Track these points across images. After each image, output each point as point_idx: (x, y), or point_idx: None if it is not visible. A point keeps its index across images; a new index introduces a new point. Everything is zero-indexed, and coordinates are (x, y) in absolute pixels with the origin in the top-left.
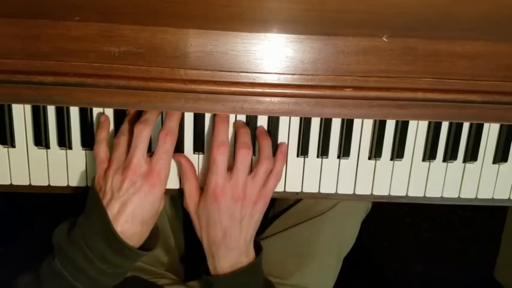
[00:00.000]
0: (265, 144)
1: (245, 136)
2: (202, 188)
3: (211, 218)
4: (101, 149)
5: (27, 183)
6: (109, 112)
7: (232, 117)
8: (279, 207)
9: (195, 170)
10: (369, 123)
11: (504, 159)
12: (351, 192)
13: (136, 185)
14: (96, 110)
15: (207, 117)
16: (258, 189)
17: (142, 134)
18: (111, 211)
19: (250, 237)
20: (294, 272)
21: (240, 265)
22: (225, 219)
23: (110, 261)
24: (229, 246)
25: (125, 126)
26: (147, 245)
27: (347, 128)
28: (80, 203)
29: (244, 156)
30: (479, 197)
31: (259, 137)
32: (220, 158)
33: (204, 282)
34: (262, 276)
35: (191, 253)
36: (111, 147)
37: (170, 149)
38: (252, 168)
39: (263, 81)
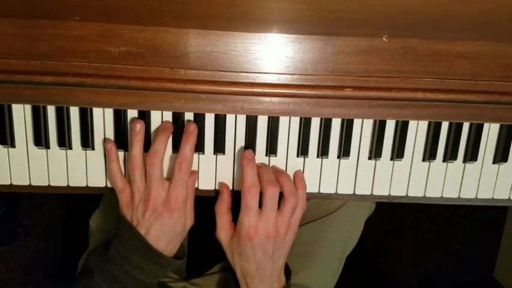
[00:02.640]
0: (286, 181)
1: (269, 173)
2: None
3: (244, 253)
4: (118, 180)
5: (27, 183)
6: (109, 112)
7: (232, 117)
8: None
9: (229, 205)
10: (369, 123)
11: (504, 159)
12: (351, 192)
13: (157, 212)
14: (96, 110)
15: (207, 117)
16: (286, 223)
17: (155, 167)
18: None
19: (281, 266)
20: (297, 271)
21: None
22: (258, 255)
23: (146, 270)
24: (263, 277)
25: (136, 154)
26: (177, 255)
27: (347, 128)
28: (80, 203)
29: (272, 194)
30: (479, 197)
31: (277, 175)
32: (252, 200)
33: None
34: None
35: (193, 251)
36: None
37: (185, 177)
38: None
39: (263, 81)
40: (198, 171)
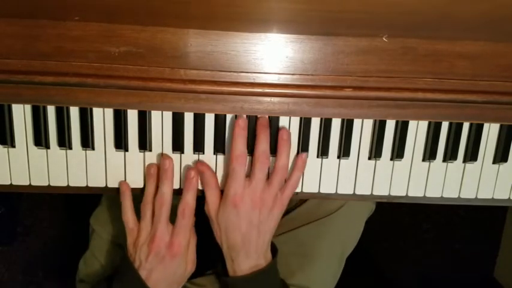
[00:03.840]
0: (283, 152)
1: (264, 144)
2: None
3: (230, 223)
4: (129, 219)
5: (27, 183)
6: (109, 112)
7: (232, 117)
8: None
9: (217, 179)
10: (369, 123)
11: (504, 159)
12: (351, 192)
13: (159, 255)
14: (96, 110)
15: (207, 117)
16: (273, 196)
17: (162, 209)
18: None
19: (268, 242)
20: (296, 272)
21: (258, 267)
22: (244, 225)
23: None
24: (249, 251)
25: (149, 192)
26: None
27: (347, 128)
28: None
29: (262, 165)
30: (479, 197)
31: (280, 143)
32: (239, 168)
33: (223, 283)
34: (279, 276)
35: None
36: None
37: (188, 223)
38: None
39: (263, 81)
40: (194, 217)
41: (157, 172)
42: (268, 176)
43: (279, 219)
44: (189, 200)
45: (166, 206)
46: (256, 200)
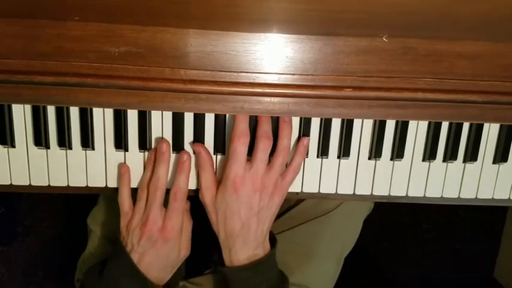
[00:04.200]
0: (285, 134)
1: (266, 125)
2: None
3: (229, 209)
4: (125, 202)
5: (27, 183)
6: (109, 112)
7: (232, 117)
8: (281, 208)
9: (213, 162)
10: (369, 123)
11: (504, 159)
12: (351, 192)
13: (152, 239)
14: (96, 110)
15: (207, 117)
16: (274, 180)
17: (156, 194)
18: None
19: (267, 230)
20: (295, 271)
21: (256, 257)
22: (243, 210)
23: None
24: (247, 239)
25: (146, 178)
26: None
27: (347, 128)
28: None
29: (264, 146)
30: (479, 197)
31: (282, 125)
32: (241, 148)
33: (220, 273)
34: (277, 267)
35: (193, 250)
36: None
37: (180, 206)
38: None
39: (263, 81)
40: (189, 202)
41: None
42: (270, 160)
43: (279, 207)
44: (181, 183)
45: (161, 191)
46: (258, 183)
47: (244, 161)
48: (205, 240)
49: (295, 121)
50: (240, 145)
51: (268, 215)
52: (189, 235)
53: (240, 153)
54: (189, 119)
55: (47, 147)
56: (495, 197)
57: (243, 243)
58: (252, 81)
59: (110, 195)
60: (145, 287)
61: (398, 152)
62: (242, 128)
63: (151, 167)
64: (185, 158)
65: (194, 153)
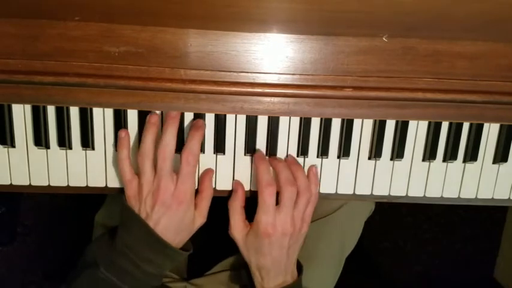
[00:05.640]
0: (300, 176)
1: (287, 171)
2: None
3: (261, 250)
4: (126, 170)
5: (27, 183)
6: (109, 112)
7: (232, 117)
8: None
9: (243, 204)
10: (369, 123)
11: (504, 159)
12: (351, 192)
13: (166, 205)
14: (96, 110)
15: (207, 117)
16: (301, 217)
17: (166, 160)
18: None
19: (295, 260)
20: None
21: (285, 284)
22: (275, 251)
23: (154, 262)
24: (278, 272)
25: (147, 143)
26: (184, 248)
27: (347, 128)
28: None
29: (291, 194)
30: (479, 197)
31: (292, 167)
32: (270, 200)
33: None
34: None
35: (194, 251)
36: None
37: (192, 170)
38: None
39: (263, 81)
40: (213, 170)
41: (159, 122)
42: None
43: (305, 235)
44: (193, 147)
45: (170, 159)
46: (288, 227)
47: (273, 210)
48: (207, 241)
49: (296, 121)
50: (268, 197)
51: (297, 247)
52: (208, 203)
53: (269, 205)
54: (189, 119)
55: (47, 147)
56: (495, 197)
57: (275, 275)
58: (252, 81)
59: (118, 195)
60: (165, 251)
61: (398, 152)
62: (267, 179)
63: (152, 131)
64: (200, 124)
65: (232, 190)
